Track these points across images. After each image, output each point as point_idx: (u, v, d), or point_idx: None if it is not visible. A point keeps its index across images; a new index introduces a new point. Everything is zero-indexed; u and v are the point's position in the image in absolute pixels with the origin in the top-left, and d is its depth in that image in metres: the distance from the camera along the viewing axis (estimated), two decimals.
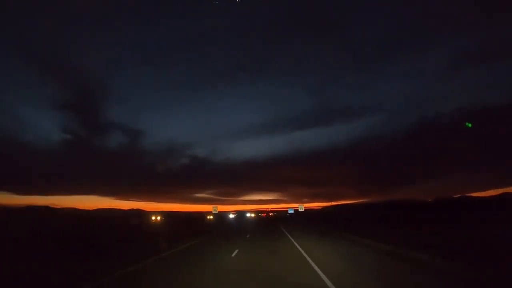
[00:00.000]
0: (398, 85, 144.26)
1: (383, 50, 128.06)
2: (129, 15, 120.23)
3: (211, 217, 57.89)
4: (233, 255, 12.01)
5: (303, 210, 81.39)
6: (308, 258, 10.41)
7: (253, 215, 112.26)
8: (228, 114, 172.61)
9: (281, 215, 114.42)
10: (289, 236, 20.24)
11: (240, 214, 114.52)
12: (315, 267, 8.76)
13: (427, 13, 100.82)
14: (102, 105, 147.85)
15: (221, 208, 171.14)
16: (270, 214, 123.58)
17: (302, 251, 12.44)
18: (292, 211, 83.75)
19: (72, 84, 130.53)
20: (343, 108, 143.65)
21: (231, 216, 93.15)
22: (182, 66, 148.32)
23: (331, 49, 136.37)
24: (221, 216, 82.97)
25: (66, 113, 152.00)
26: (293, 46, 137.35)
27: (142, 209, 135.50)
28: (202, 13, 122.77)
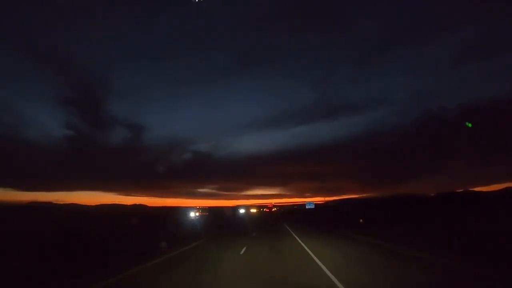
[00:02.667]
0: (402, 79, 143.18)
1: (387, 44, 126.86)
2: (131, 10, 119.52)
3: None
4: None
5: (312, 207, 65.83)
6: None
7: (254, 210, 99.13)
8: (231, 109, 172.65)
9: (287, 211, 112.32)
10: None
11: (232, 210, 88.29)
12: None
13: (431, 7, 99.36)
14: (104, 100, 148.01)
15: (224, 203, 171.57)
16: (274, 209, 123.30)
17: None
18: (312, 206, 65.05)
19: (74, 80, 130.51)
20: (347, 102, 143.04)
21: (193, 214, 56.00)
22: (184, 60, 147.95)
23: (334, 43, 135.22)
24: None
25: (68, 109, 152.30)
26: (296, 40, 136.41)
27: (145, 204, 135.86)
28: (205, 7, 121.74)
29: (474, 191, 58.94)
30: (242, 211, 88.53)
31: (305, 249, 12.85)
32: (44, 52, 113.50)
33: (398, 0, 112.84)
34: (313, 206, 59.12)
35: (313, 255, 10.64)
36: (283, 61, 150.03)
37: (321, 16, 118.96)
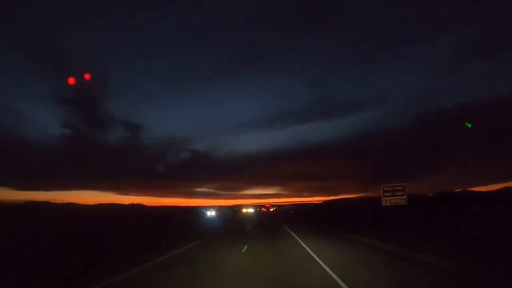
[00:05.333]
0: (401, 79, 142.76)
1: (386, 43, 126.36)
2: (130, 9, 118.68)
3: None
4: None
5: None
6: None
7: (249, 210, 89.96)
8: (230, 108, 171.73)
9: (288, 211, 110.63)
10: None
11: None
12: None
13: (430, 5, 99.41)
14: (102, 99, 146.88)
15: (221, 202, 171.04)
16: (272, 209, 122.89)
17: None
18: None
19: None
20: (345, 102, 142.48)
21: None
22: (183, 59, 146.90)
23: (332, 42, 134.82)
24: None
25: (66, 107, 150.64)
26: (294, 39, 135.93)
27: (143, 203, 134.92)
28: (202, 5, 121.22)
29: (473, 191, 59.01)
30: (209, 213, 60.72)
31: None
32: (42, 51, 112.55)
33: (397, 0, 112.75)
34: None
35: None
36: (282, 60, 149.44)
37: (320, 15, 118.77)
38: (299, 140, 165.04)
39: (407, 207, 22.69)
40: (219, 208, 77.16)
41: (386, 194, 22.23)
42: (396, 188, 22.19)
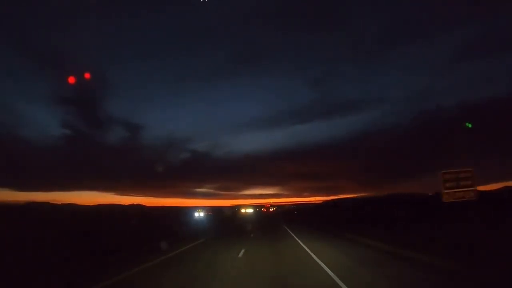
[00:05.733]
0: (401, 78, 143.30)
1: (385, 42, 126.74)
2: (129, 9, 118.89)
3: None
4: None
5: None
6: None
7: (249, 210, 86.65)
8: (229, 108, 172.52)
9: (290, 211, 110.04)
10: None
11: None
12: None
13: (431, 5, 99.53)
14: (102, 99, 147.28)
15: (221, 203, 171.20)
16: (271, 209, 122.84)
17: None
18: None
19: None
20: (345, 102, 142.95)
21: None
22: (182, 59, 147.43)
23: (332, 42, 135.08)
24: None
25: (66, 108, 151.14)
26: (294, 39, 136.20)
27: (143, 204, 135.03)
28: (202, 5, 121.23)
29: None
30: (199, 214, 59.52)
31: None
32: (42, 51, 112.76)
33: None
34: None
35: None
36: (282, 60, 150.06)
37: (320, 15, 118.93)
38: (299, 140, 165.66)
39: (405, 206, 22.67)
40: (210, 209, 74.35)
41: (448, 184, 15.44)
42: (461, 175, 15.49)
